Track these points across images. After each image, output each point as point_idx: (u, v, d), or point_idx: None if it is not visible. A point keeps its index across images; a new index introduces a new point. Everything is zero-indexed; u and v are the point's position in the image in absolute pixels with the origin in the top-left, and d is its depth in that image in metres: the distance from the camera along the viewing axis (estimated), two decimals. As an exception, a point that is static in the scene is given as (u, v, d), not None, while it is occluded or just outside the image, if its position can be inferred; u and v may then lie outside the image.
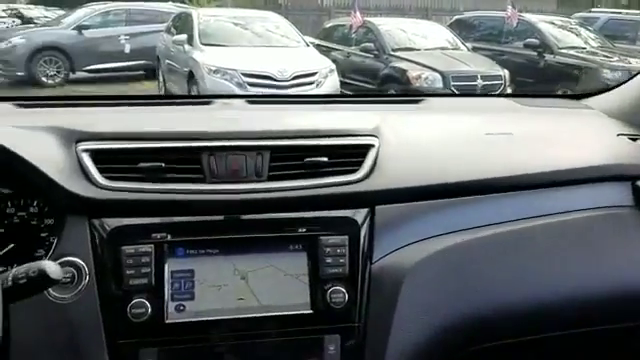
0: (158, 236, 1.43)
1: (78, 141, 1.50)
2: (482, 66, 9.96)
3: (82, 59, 11.78)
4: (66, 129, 1.54)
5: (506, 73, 9.74)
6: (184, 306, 1.41)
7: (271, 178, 1.50)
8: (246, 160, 1.50)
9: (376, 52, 10.30)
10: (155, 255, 1.41)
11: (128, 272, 1.39)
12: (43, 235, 1.50)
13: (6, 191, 1.55)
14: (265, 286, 1.44)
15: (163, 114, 1.90)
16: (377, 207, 1.50)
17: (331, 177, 1.52)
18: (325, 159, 1.52)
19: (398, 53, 10.07)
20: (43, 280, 1.14)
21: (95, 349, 1.35)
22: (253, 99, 2.21)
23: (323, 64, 9.14)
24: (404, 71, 9.59)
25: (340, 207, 1.51)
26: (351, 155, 1.56)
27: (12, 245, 1.51)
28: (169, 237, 1.43)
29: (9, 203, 1.54)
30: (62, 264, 1.38)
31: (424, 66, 9.57)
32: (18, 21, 14.96)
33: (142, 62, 11.99)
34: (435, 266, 1.51)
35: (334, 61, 9.75)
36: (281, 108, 2.08)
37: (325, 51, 10.56)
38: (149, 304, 1.37)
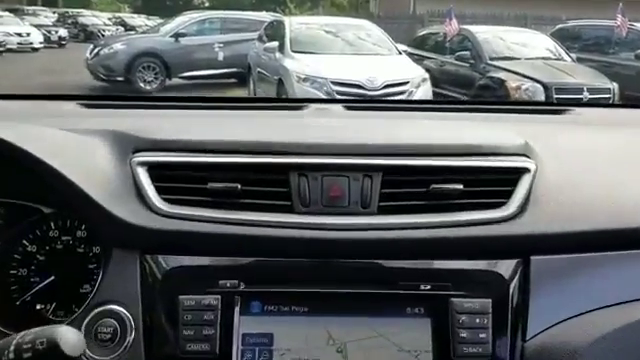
0: (228, 284, 1.03)
1: (136, 151, 1.13)
2: (588, 78, 9.06)
3: (178, 66, 11.89)
4: (122, 134, 1.18)
5: (615, 86, 8.80)
6: None
7: (383, 210, 1.07)
8: (349, 184, 1.07)
9: (472, 61, 9.63)
10: (222, 310, 1.02)
11: (186, 332, 1.01)
12: (90, 267, 1.15)
13: (48, 210, 1.21)
14: (370, 364, 1.01)
15: (243, 119, 1.51)
16: (533, 258, 1.07)
17: (468, 213, 1.07)
18: (459, 187, 1.07)
19: (496, 62, 9.36)
20: (54, 356, 0.76)
21: None
22: (352, 104, 1.78)
23: (415, 73, 8.64)
24: (502, 81, 8.87)
25: (480, 256, 1.05)
26: (496, 182, 1.09)
27: (52, 278, 1.17)
28: (242, 286, 1.04)
29: (52, 224, 1.20)
30: (101, 314, 1.02)
31: (524, 76, 8.80)
32: (122, 29, 15.49)
33: (234, 70, 11.96)
34: (617, 351, 1.01)
35: (427, 70, 9.20)
36: (386, 116, 1.64)
37: (418, 59, 10.01)
38: None
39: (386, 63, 9.01)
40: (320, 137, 1.17)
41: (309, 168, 1.08)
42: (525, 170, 1.10)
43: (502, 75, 8.99)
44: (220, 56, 12.24)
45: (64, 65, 13.47)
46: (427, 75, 8.78)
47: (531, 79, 8.73)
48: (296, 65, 8.60)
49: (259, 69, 9.96)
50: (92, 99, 1.70)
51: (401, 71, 8.69)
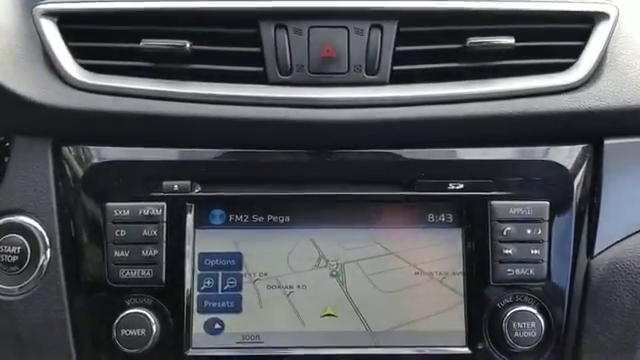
0: (175, 186, 0.72)
1: None
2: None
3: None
4: None
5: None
6: (222, 323, 0.71)
7: (397, 78, 0.72)
8: (349, 39, 0.71)
9: None
10: (169, 223, 0.72)
11: (118, 254, 0.71)
12: None
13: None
14: (377, 294, 0.71)
15: None
16: (607, 142, 0.76)
17: (520, 79, 0.73)
18: (509, 41, 0.71)
19: None
20: None
21: None
22: None
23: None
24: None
25: (535, 141, 0.74)
26: (560, 34, 0.74)
27: None
28: (196, 189, 0.72)
29: None
30: (3, 229, 0.72)
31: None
32: None
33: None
34: None
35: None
36: None
37: None
38: (155, 318, 0.68)
39: None
40: None
41: (289, 16, 0.71)
42: (602, 17, 0.74)
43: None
44: None
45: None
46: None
47: None
48: None
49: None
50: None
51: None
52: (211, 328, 0.72)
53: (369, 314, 0.72)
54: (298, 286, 0.72)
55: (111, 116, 0.72)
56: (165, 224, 0.71)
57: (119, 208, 0.71)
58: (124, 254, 0.71)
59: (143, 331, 0.69)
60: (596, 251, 0.73)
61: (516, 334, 0.69)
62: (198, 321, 0.72)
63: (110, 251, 0.71)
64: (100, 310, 0.71)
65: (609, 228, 0.74)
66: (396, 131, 0.72)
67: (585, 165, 0.75)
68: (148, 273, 0.71)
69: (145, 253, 0.71)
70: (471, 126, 0.72)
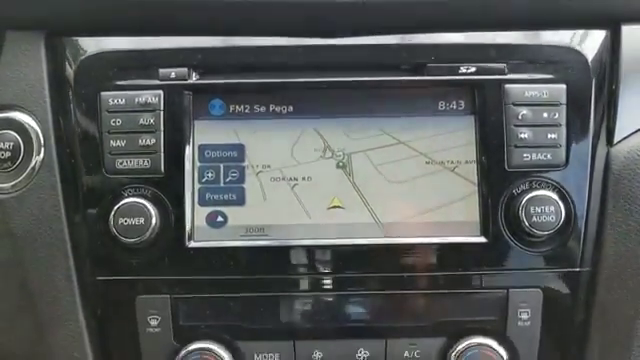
0: (173, 74, 0.68)
1: None
2: None
3: None
4: None
5: None
6: (224, 216, 0.67)
7: None
8: None
9: None
10: (167, 112, 0.67)
11: (114, 143, 0.67)
12: None
13: None
14: (386, 185, 0.67)
15: None
16: (625, 28, 0.71)
17: None
18: None
19: None
20: None
21: (57, 288, 0.67)
22: None
23: None
24: None
25: (552, 23, 0.69)
26: None
27: None
28: (194, 76, 0.69)
29: None
30: None
31: None
32: None
33: None
34: None
35: None
36: None
37: None
38: (155, 209, 0.64)
39: None
40: None
41: None
42: None
43: None
44: None
45: None
46: None
47: None
48: None
49: None
50: None
51: None
52: (213, 221, 0.68)
53: (378, 205, 0.67)
54: (303, 178, 0.68)
55: (108, 2, 0.69)
56: (162, 112, 0.67)
57: (114, 97, 0.67)
58: (120, 143, 0.67)
59: (142, 220, 0.64)
60: (616, 139, 0.69)
61: (534, 219, 0.64)
62: (200, 214, 0.68)
63: (106, 141, 0.67)
64: (97, 202, 0.67)
65: (629, 116, 0.69)
66: (406, 12, 0.67)
67: (603, 51, 0.70)
68: (146, 163, 0.67)
69: (142, 142, 0.67)
70: (485, 6, 0.67)
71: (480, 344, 0.65)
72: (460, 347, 0.65)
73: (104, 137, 0.67)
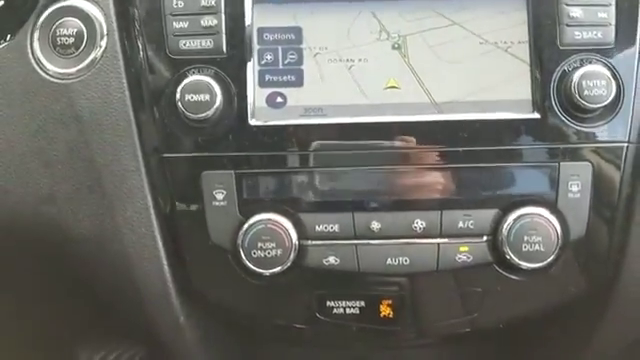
0: None
1: None
2: None
3: None
4: None
5: None
6: (284, 97, 0.69)
7: None
8: None
9: None
10: None
11: (177, 25, 0.68)
12: None
13: None
14: (441, 65, 0.69)
15: None
16: None
17: None
18: None
19: None
20: None
21: (124, 168, 0.69)
22: None
23: None
24: None
25: None
26: None
27: None
28: None
29: None
30: (59, 13, 0.69)
31: None
32: None
33: None
34: None
35: None
36: None
37: None
38: (219, 88, 0.66)
39: None
40: None
41: None
42: None
43: None
44: None
45: None
46: None
47: None
48: None
49: None
50: None
51: None
52: (273, 102, 0.69)
53: (433, 85, 0.69)
54: (359, 59, 0.69)
55: None
56: None
57: None
58: (183, 25, 0.68)
59: (207, 96, 0.66)
60: None
61: (586, 92, 0.65)
62: (260, 95, 0.69)
63: (169, 23, 0.68)
64: (162, 82, 0.68)
65: None
66: None
67: None
68: (208, 43, 0.68)
69: (204, 23, 0.68)
70: None
71: (532, 213, 0.67)
72: (513, 216, 0.67)
73: (167, 19, 0.68)
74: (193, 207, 0.69)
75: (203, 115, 0.66)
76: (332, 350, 0.93)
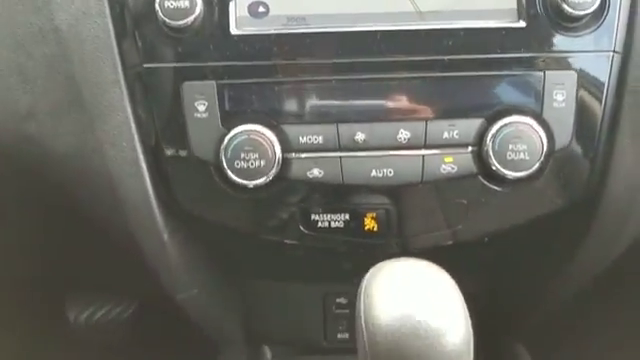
0: None
1: None
2: None
3: None
4: None
5: None
6: (266, 6, 0.68)
7: None
8: None
9: None
10: None
11: None
12: None
13: None
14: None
15: None
16: None
17: None
18: None
19: None
20: None
21: (104, 80, 0.68)
22: None
23: None
24: None
25: None
26: None
27: None
28: None
29: None
30: None
31: None
32: None
33: None
34: None
35: None
36: None
37: None
38: None
39: None
40: None
41: None
42: None
43: None
44: None
45: None
46: None
47: None
48: None
49: None
50: None
51: None
52: (255, 11, 0.67)
53: None
54: None
55: None
56: None
57: None
58: None
59: (187, 3, 0.64)
60: None
61: None
62: (242, 3, 0.67)
63: None
64: None
65: None
66: None
67: None
68: None
69: None
70: None
71: (517, 122, 0.66)
72: (498, 125, 0.66)
73: None
74: (174, 119, 0.68)
75: (183, 22, 0.65)
76: (316, 278, 0.93)
